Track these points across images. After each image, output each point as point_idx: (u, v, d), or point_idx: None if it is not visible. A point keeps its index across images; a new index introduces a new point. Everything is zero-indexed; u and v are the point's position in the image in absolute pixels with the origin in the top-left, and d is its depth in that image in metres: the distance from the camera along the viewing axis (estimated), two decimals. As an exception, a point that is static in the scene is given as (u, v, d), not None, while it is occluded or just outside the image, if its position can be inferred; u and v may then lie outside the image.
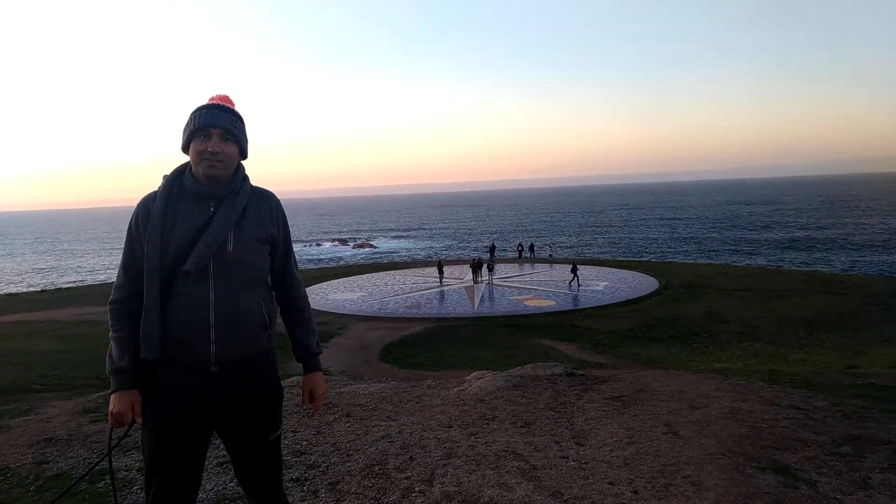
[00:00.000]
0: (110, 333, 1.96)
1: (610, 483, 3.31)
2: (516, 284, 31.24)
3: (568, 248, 62.92)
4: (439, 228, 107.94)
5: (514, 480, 3.38)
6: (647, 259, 47.99)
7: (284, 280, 2.15)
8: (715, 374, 7.14)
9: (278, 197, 2.18)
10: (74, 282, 51.02)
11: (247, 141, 2.08)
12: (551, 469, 3.55)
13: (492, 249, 43.50)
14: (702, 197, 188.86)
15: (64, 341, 18.67)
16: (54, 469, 3.94)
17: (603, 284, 29.82)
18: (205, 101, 2.05)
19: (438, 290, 30.36)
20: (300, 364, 2.19)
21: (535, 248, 44.95)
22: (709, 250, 58.33)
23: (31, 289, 44.99)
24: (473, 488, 3.29)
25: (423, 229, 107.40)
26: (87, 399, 6.46)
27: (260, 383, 2.02)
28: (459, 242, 75.81)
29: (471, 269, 33.12)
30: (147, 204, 1.97)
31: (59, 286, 44.76)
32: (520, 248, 44.94)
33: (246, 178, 2.07)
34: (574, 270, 30.00)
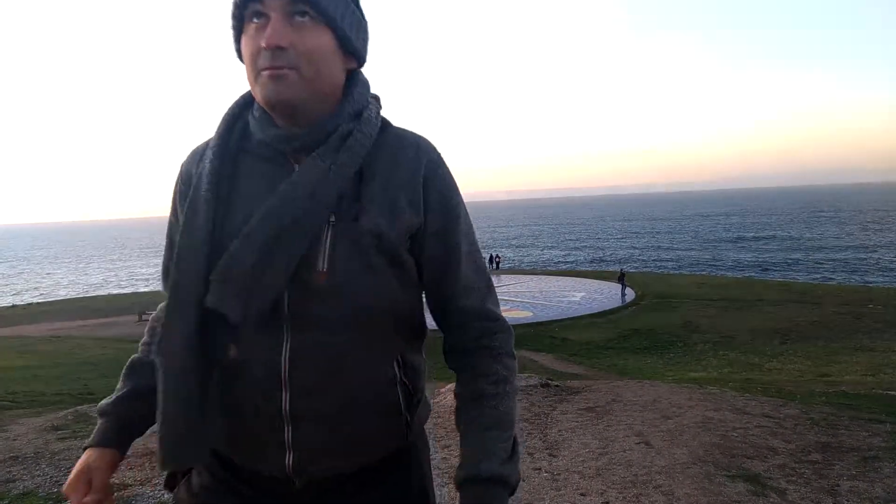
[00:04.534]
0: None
1: (582, 494, 3.31)
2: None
3: (545, 260, 63.30)
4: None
5: (486, 493, 3.36)
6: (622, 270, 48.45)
7: (454, 316, 1.06)
8: (689, 383, 7.20)
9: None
10: (45, 297, 50.09)
11: (358, 26, 1.01)
12: (524, 481, 3.53)
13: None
14: (676, 209, 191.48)
15: (34, 357, 18.28)
16: (20, 487, 3.82)
17: (579, 295, 30.08)
18: None
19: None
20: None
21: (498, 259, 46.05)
22: (684, 261, 59.10)
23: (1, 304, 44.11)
24: (445, 501, 3.26)
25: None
26: (57, 416, 6.31)
27: None
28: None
29: None
30: (191, 165, 1.06)
31: (29, 301, 43.92)
32: (497, 259, 45.22)
33: (367, 107, 1.04)
34: (621, 280, 30.45)
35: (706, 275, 44.37)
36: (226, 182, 1.00)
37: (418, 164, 1.02)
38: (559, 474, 3.62)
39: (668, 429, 4.49)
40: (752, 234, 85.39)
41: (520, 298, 29.87)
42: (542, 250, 77.16)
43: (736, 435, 4.27)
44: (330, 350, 0.95)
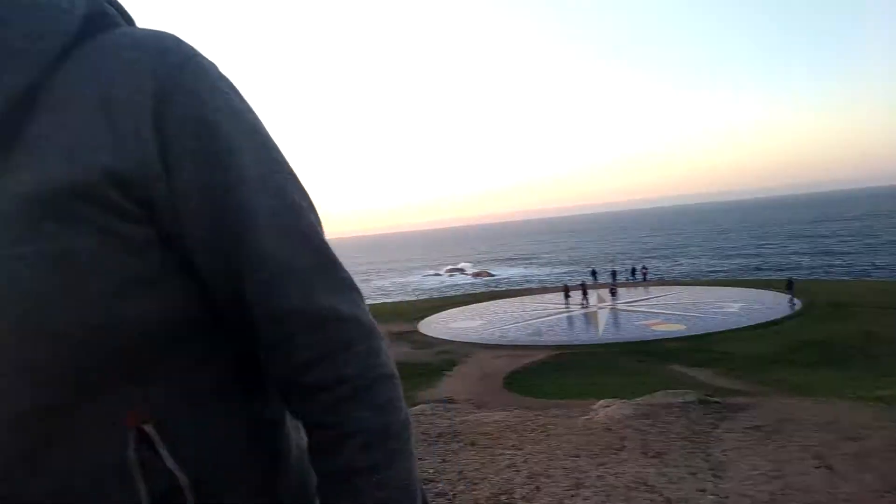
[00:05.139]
0: None
1: (755, 520, 3.07)
2: (642, 308, 30.10)
3: (696, 270, 59.95)
4: (554, 253, 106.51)
5: (647, 514, 3.22)
6: (783, 277, 44.68)
7: (266, 330, 0.56)
8: (874, 402, 6.46)
9: None
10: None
11: None
12: (687, 502, 3.35)
13: (613, 274, 42.29)
14: (841, 209, 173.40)
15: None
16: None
17: (738, 305, 28.08)
18: None
19: (560, 316, 29.90)
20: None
21: (636, 271, 43.54)
22: (856, 266, 53.14)
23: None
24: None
25: (540, 256, 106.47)
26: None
27: None
28: (584, 267, 74.35)
29: (582, 293, 33.21)
30: None
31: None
32: (644, 271, 43.30)
33: None
34: (790, 288, 28.69)
35: (887, 280, 39.65)
36: None
37: (143, 73, 0.53)
38: (727, 497, 3.39)
39: (853, 451, 4.05)
40: (942, 232, 75.15)
41: (671, 311, 28.39)
42: (691, 259, 73.09)
43: (938, 460, 3.76)
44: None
